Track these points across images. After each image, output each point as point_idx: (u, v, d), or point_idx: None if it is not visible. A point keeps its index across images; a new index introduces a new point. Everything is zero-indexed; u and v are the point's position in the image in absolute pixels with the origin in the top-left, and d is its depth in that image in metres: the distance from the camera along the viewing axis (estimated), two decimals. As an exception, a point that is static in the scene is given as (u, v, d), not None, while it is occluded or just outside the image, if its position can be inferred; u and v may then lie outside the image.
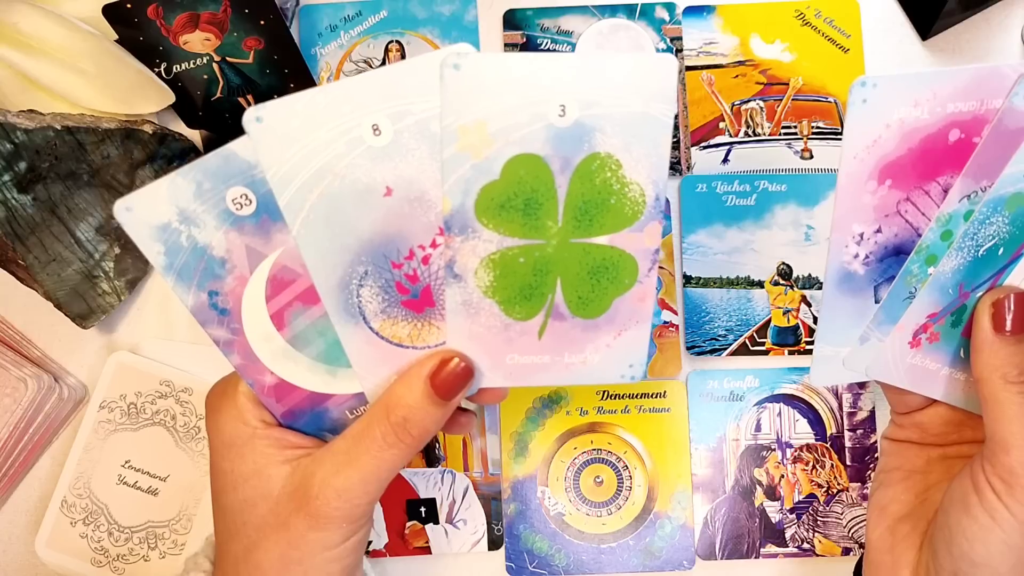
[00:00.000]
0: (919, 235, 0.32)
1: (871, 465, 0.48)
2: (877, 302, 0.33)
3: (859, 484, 0.47)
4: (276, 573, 0.32)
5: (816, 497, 0.47)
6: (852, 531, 0.47)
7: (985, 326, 0.32)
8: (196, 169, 0.29)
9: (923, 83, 0.29)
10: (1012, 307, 0.31)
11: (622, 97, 0.29)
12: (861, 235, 0.32)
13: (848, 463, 0.48)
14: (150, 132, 0.45)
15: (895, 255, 0.32)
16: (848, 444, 0.48)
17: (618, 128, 0.30)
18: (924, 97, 0.29)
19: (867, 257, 0.32)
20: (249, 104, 0.43)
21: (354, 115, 0.29)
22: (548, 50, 0.50)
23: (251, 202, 0.30)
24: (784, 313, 0.48)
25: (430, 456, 0.48)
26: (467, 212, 0.30)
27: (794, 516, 0.47)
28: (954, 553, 0.32)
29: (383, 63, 0.50)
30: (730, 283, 0.48)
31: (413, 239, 0.31)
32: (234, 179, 0.30)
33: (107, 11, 0.45)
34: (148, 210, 0.30)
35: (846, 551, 0.47)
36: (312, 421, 0.34)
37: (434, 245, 0.31)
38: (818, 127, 0.49)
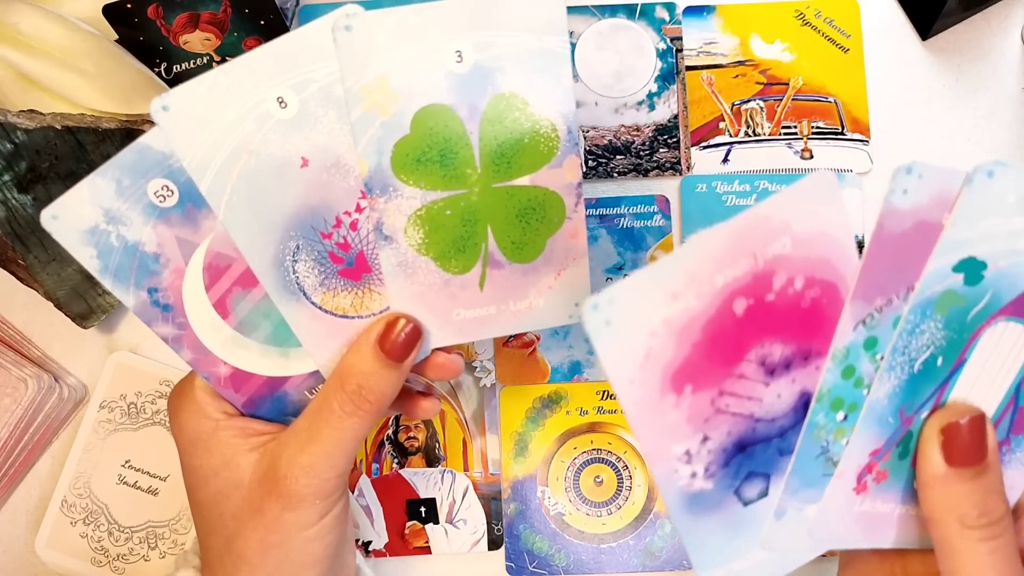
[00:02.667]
0: (757, 420, 0.27)
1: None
2: (747, 504, 0.28)
3: (859, 484, 0.47)
4: (259, 560, 0.32)
5: (816, 497, 0.47)
6: (852, 531, 0.47)
7: (934, 459, 0.27)
8: (113, 167, 0.29)
9: (673, 271, 0.24)
10: (965, 434, 0.26)
11: (515, 35, 0.30)
12: (687, 453, 0.26)
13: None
14: (150, 132, 0.45)
15: (741, 452, 0.27)
16: (848, 444, 0.48)
17: (517, 66, 0.30)
18: (682, 284, 0.24)
19: (708, 470, 0.27)
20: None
21: (257, 91, 0.29)
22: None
23: (173, 193, 0.30)
24: None
25: (430, 456, 0.48)
26: (385, 171, 0.30)
27: (794, 516, 0.47)
28: None
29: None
30: (730, 283, 0.48)
31: (337, 206, 0.31)
32: (152, 172, 0.30)
33: (107, 11, 0.45)
34: (74, 215, 0.29)
35: (846, 551, 0.47)
36: (274, 407, 0.34)
37: (359, 210, 0.31)
38: (818, 127, 0.49)
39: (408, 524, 0.48)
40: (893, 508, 0.29)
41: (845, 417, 0.27)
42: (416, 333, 0.32)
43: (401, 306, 0.32)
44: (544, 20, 0.29)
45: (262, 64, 0.29)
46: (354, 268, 0.32)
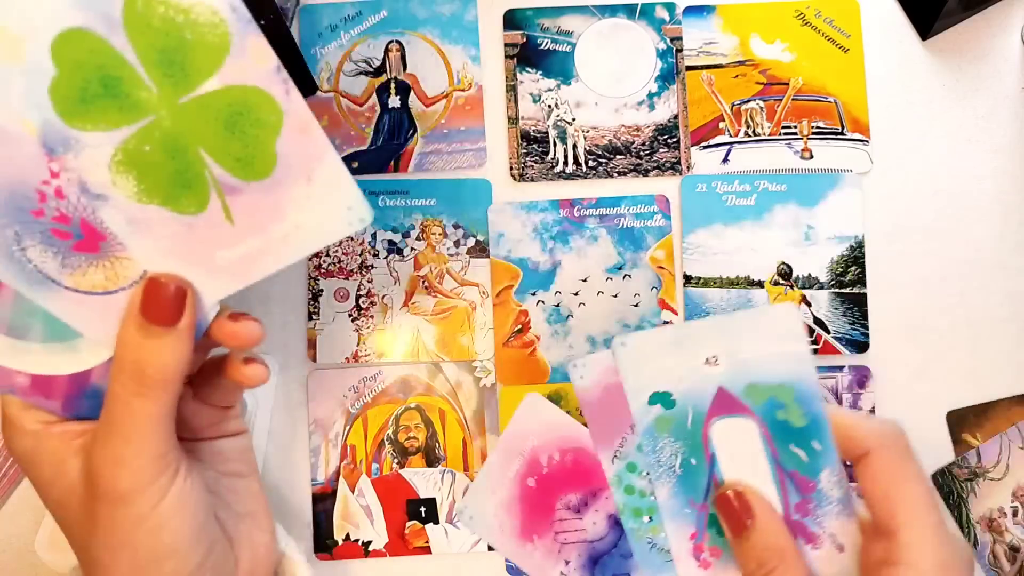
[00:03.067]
0: (592, 542, 0.40)
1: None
2: None
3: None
4: (111, 561, 0.31)
5: (816, 497, 0.47)
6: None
7: (725, 530, 0.33)
8: None
9: (485, 478, 0.41)
10: (733, 504, 0.32)
11: None
12: (562, 573, 0.40)
13: (848, 463, 0.48)
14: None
15: (596, 564, 0.41)
16: (848, 444, 0.48)
17: None
18: (496, 482, 0.41)
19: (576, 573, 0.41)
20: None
21: None
22: (548, 51, 0.50)
23: None
24: None
25: (430, 456, 0.48)
26: (55, 124, 0.26)
27: (794, 516, 0.47)
28: None
29: (383, 63, 0.50)
30: (730, 283, 0.48)
31: (31, 179, 0.27)
32: None
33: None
34: None
35: (846, 551, 0.47)
36: (92, 403, 0.32)
37: (55, 176, 0.27)
38: (818, 127, 0.49)
39: (408, 524, 0.48)
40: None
41: (650, 519, 0.34)
42: (180, 291, 0.29)
43: (155, 265, 0.29)
44: None
45: None
46: (86, 239, 0.28)
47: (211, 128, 0.27)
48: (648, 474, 0.34)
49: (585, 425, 0.37)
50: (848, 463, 0.33)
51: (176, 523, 0.31)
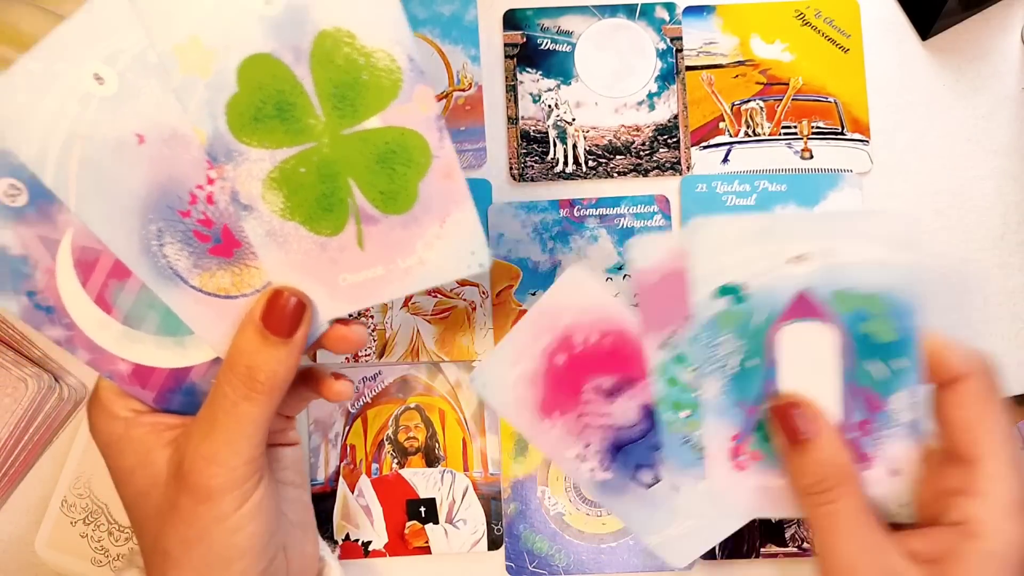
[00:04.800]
0: (618, 429, 0.34)
1: (871, 465, 0.47)
2: (648, 487, 0.35)
3: (859, 484, 0.47)
4: (183, 556, 0.31)
5: (816, 497, 0.47)
6: (852, 531, 0.47)
7: (776, 441, 0.32)
8: None
9: (509, 347, 0.34)
10: (791, 416, 0.31)
11: None
12: (578, 455, 0.35)
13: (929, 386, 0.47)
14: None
15: (620, 450, 0.35)
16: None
17: None
18: (517, 353, 0.34)
19: (602, 465, 0.35)
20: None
21: (71, 71, 0.27)
22: (548, 51, 0.50)
23: (21, 190, 0.29)
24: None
25: (430, 456, 0.48)
26: (224, 136, 0.28)
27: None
28: None
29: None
30: (730, 283, 0.48)
31: (188, 181, 0.29)
32: None
33: (107, 11, 0.45)
34: None
35: (846, 551, 0.47)
36: (185, 399, 0.33)
37: (211, 182, 0.29)
38: (818, 127, 0.49)
39: (408, 524, 0.48)
40: (782, 482, 0.34)
41: (690, 414, 0.33)
42: (301, 306, 0.30)
43: (281, 278, 0.31)
44: None
45: (68, 41, 0.27)
46: (223, 244, 0.30)
47: (364, 161, 0.29)
48: (697, 369, 0.32)
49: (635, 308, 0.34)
50: (929, 386, 0.32)
51: (253, 526, 0.32)
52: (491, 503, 0.48)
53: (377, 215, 0.30)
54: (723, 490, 0.33)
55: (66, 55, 0.27)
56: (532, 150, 0.49)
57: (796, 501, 0.32)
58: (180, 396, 0.32)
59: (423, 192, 0.30)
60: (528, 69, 0.50)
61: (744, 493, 0.33)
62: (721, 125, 0.49)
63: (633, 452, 0.34)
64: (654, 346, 0.33)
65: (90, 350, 0.31)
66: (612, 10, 0.50)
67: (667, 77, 0.50)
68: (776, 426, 0.32)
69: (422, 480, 0.48)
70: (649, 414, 0.34)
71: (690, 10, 0.50)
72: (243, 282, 0.31)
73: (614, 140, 0.49)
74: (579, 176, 0.49)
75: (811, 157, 0.49)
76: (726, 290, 0.31)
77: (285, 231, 0.30)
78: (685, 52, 0.50)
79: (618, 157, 0.49)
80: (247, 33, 0.27)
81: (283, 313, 0.30)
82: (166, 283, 0.30)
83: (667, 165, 0.49)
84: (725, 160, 0.49)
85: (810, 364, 0.31)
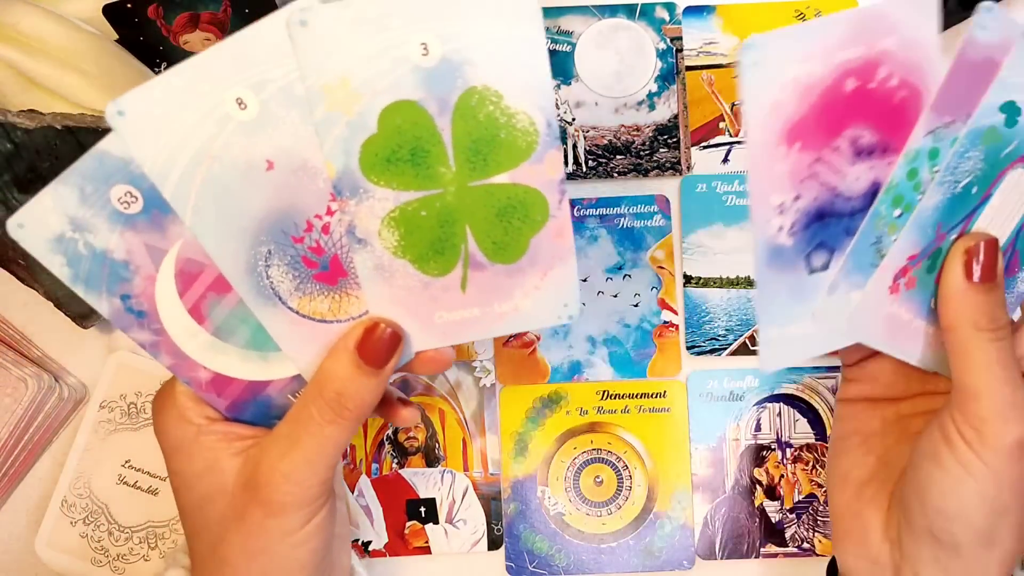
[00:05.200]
0: (837, 194, 0.31)
1: (871, 465, 0.47)
2: (811, 272, 0.32)
3: (859, 484, 0.47)
4: (243, 565, 0.32)
5: (816, 497, 0.47)
6: (852, 531, 0.47)
7: (957, 274, 0.31)
8: (75, 174, 0.28)
9: (810, 35, 0.28)
10: (981, 256, 0.31)
11: (484, 24, 0.28)
12: (781, 205, 0.30)
13: None
14: (150, 132, 0.45)
15: (818, 220, 0.31)
16: (848, 444, 0.48)
17: (488, 57, 0.28)
18: (813, 50, 0.28)
19: (792, 227, 0.31)
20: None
21: (215, 92, 0.28)
22: (548, 50, 0.50)
23: (137, 199, 0.29)
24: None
25: (430, 456, 0.48)
26: (354, 173, 0.29)
27: (794, 516, 0.47)
28: (927, 509, 0.31)
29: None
30: (730, 283, 0.48)
31: (307, 210, 0.30)
32: (114, 178, 0.29)
33: (107, 11, 0.45)
34: (39, 224, 0.29)
35: (846, 551, 0.47)
36: (257, 410, 0.33)
37: (330, 213, 0.30)
38: (818, 127, 0.49)
39: (408, 524, 0.48)
40: (912, 319, 0.33)
41: (900, 214, 0.31)
42: (396, 338, 0.31)
43: (380, 310, 0.32)
44: (516, 7, 0.28)
45: (217, 64, 0.27)
46: (329, 272, 0.31)
47: (484, 212, 0.30)
48: (937, 172, 0.30)
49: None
50: None
51: (315, 542, 0.33)
52: (491, 503, 0.48)
53: (485, 262, 0.31)
54: (870, 309, 0.32)
55: (212, 76, 0.28)
56: (532, 150, 0.49)
57: (953, 337, 0.31)
58: (253, 407, 0.33)
59: (533, 246, 0.31)
60: (528, 69, 0.50)
61: (881, 318, 0.32)
62: (721, 125, 0.49)
63: (828, 227, 0.31)
64: (924, 127, 0.30)
65: (174, 356, 0.32)
66: (612, 10, 0.50)
67: (667, 77, 0.50)
68: (973, 256, 0.31)
69: (422, 480, 0.48)
70: (871, 196, 0.31)
71: (690, 10, 0.50)
72: (341, 309, 0.32)
73: (614, 140, 0.49)
74: (579, 176, 0.49)
75: (811, 157, 0.49)
76: (1007, 107, 0.29)
77: (393, 267, 0.31)
78: (685, 52, 0.50)
79: (618, 157, 0.49)
80: (398, 80, 0.28)
81: (378, 344, 0.31)
82: (264, 302, 0.31)
83: (667, 165, 0.49)
84: (725, 160, 0.49)
85: (1006, 213, 0.31)
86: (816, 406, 0.48)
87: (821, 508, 0.47)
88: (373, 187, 0.30)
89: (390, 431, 0.48)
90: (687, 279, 0.48)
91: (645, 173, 0.49)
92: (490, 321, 0.32)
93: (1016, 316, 0.33)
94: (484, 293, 0.32)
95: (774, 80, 0.28)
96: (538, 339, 0.48)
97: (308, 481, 0.31)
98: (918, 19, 0.29)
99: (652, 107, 0.50)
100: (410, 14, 0.27)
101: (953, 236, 0.31)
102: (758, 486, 0.48)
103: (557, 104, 0.50)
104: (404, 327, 0.32)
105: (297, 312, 0.31)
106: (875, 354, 0.35)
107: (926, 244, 0.31)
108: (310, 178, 0.29)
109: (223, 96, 0.28)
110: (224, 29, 0.47)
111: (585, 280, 0.49)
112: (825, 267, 0.32)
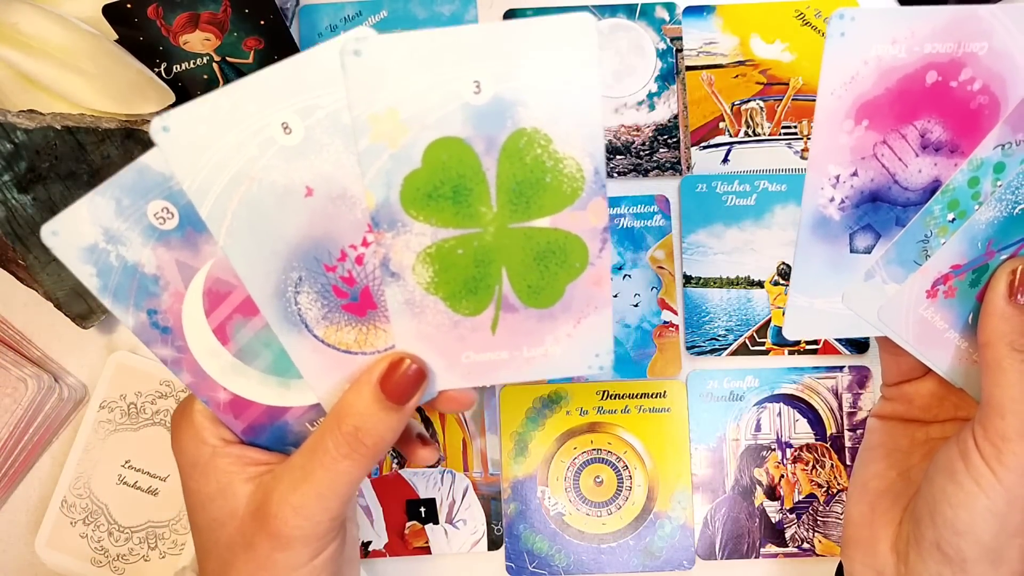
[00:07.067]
0: (895, 181, 0.31)
1: (871, 465, 0.47)
2: (853, 252, 0.32)
3: (859, 484, 0.47)
4: None
5: (816, 497, 0.47)
6: (852, 531, 0.47)
7: (1001, 292, 0.31)
8: (113, 186, 0.29)
9: (902, 20, 0.29)
10: None
11: (540, 66, 0.28)
12: (837, 177, 0.31)
13: (848, 463, 0.48)
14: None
15: (871, 201, 0.31)
16: (848, 444, 0.48)
17: (541, 100, 0.28)
18: (902, 35, 0.29)
19: (843, 202, 0.31)
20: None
21: (261, 115, 0.28)
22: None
23: (173, 215, 0.29)
24: (784, 313, 0.48)
25: (430, 456, 0.48)
26: (393, 205, 0.29)
27: (794, 516, 0.47)
28: (937, 522, 0.31)
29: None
30: (730, 283, 0.48)
31: (343, 239, 0.30)
32: (152, 193, 0.29)
33: (107, 11, 0.45)
34: (73, 232, 0.29)
35: (846, 551, 0.47)
36: (273, 436, 0.33)
37: (365, 244, 0.30)
38: (818, 127, 0.49)
39: (408, 524, 0.48)
40: (946, 329, 0.33)
41: (953, 219, 0.31)
42: (420, 375, 0.31)
43: (407, 345, 0.31)
44: (573, 51, 0.27)
45: (266, 87, 0.28)
46: (359, 303, 0.31)
47: (522, 255, 0.30)
48: (1000, 187, 0.30)
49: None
50: None
51: (324, 575, 0.32)
52: (491, 503, 0.48)
53: (518, 305, 0.31)
54: (903, 306, 0.32)
55: (260, 99, 0.28)
56: (532, 150, 0.49)
57: (988, 354, 0.31)
58: (270, 432, 0.33)
59: (569, 293, 0.31)
60: (528, 69, 0.50)
61: (913, 319, 0.32)
62: (721, 125, 0.49)
63: (880, 212, 0.31)
64: (996, 139, 0.30)
65: (195, 374, 0.31)
66: (612, 10, 0.50)
67: (667, 77, 0.50)
68: (1012, 282, 0.31)
69: (422, 480, 0.48)
70: (930, 192, 0.31)
71: (690, 10, 0.50)
72: (367, 341, 0.31)
73: (614, 140, 0.49)
74: (579, 176, 0.49)
75: (811, 157, 0.49)
76: None
77: (424, 303, 0.30)
78: (685, 52, 0.50)
79: (618, 157, 0.49)
80: (447, 116, 0.28)
81: (402, 380, 0.30)
82: (290, 328, 0.31)
83: (667, 165, 0.49)
84: (725, 160, 0.49)
85: None
86: (816, 406, 0.48)
87: (821, 508, 0.47)
88: (412, 221, 0.29)
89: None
90: (687, 279, 0.48)
91: (645, 173, 0.49)
92: (518, 365, 0.32)
93: None
94: (514, 336, 0.31)
95: (857, 54, 0.29)
96: (538, 339, 0.48)
97: (318, 516, 0.30)
98: (1013, 31, 0.29)
99: (652, 107, 0.50)
100: (467, 51, 0.27)
101: (1004, 256, 0.32)
102: (758, 486, 0.48)
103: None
104: (430, 364, 0.31)
105: (322, 340, 0.31)
106: (915, 378, 0.36)
107: (973, 257, 0.31)
108: (348, 207, 0.29)
109: (269, 119, 0.28)
110: (224, 29, 0.47)
111: (585, 280, 0.49)
112: (868, 250, 0.32)
